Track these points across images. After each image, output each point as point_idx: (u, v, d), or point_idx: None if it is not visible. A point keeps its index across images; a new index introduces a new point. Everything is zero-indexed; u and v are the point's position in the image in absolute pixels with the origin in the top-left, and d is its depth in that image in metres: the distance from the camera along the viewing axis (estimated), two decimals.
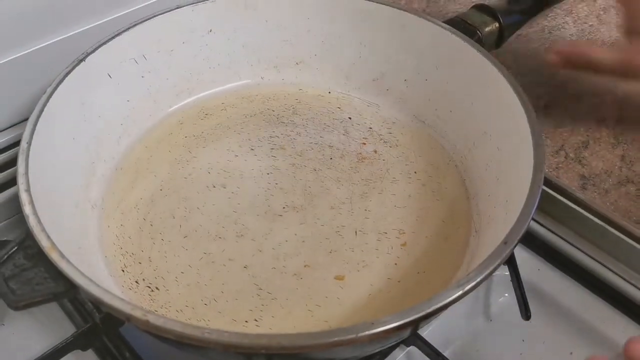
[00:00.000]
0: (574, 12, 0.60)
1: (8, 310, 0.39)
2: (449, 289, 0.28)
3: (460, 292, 0.28)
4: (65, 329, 0.37)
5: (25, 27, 0.42)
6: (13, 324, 0.38)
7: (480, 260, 0.30)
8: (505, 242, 0.30)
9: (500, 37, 0.49)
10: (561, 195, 0.42)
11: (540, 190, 0.33)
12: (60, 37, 0.43)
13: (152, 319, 0.27)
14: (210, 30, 0.48)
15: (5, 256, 0.31)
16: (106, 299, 0.28)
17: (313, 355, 0.29)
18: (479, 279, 0.29)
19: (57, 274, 0.30)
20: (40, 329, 0.38)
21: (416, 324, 0.28)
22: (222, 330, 0.27)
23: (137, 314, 0.27)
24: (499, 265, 0.30)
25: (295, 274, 0.37)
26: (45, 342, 0.37)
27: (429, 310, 0.28)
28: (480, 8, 0.49)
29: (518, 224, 0.31)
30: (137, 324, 0.28)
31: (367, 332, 0.27)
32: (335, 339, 0.26)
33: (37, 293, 0.30)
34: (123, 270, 0.37)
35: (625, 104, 0.43)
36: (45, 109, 0.37)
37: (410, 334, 0.35)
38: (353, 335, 0.26)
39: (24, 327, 0.38)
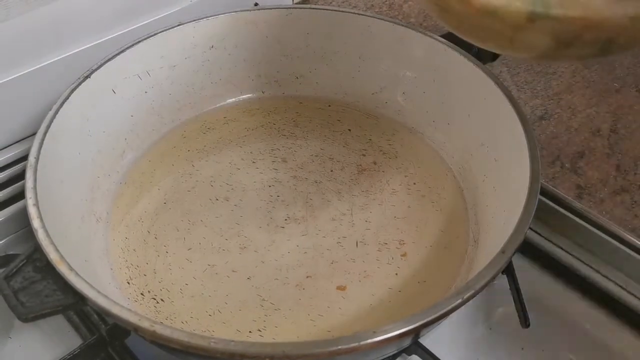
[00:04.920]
0: None
1: (15, 324, 0.39)
2: (449, 297, 0.29)
3: (459, 300, 0.29)
4: (72, 341, 0.38)
5: (32, 45, 0.43)
6: (20, 337, 0.39)
7: (479, 269, 0.31)
8: (503, 251, 0.31)
9: None
10: (558, 204, 0.43)
11: (537, 200, 0.34)
12: (66, 54, 0.44)
13: (159, 329, 0.28)
14: (212, 46, 0.49)
15: (15, 269, 0.31)
16: (114, 310, 0.29)
17: None
18: (478, 287, 0.29)
19: (66, 286, 0.30)
20: (47, 341, 0.39)
21: (417, 331, 0.29)
22: (228, 339, 0.27)
23: (145, 324, 0.28)
24: (497, 274, 0.30)
25: (297, 285, 0.38)
26: (51, 355, 0.37)
27: (429, 319, 0.28)
28: None
29: (516, 233, 0.32)
30: (145, 334, 0.28)
31: (369, 340, 0.27)
32: (339, 347, 0.27)
33: (46, 305, 0.30)
34: (128, 283, 0.38)
35: None
36: (52, 124, 0.38)
37: (412, 343, 0.35)
38: (356, 344, 0.27)
39: (30, 340, 0.39)
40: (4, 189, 0.43)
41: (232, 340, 0.27)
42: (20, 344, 0.39)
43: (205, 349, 0.27)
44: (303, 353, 0.27)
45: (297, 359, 0.27)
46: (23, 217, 0.42)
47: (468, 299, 0.29)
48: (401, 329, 0.28)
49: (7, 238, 0.43)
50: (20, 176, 0.44)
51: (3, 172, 0.44)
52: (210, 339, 0.27)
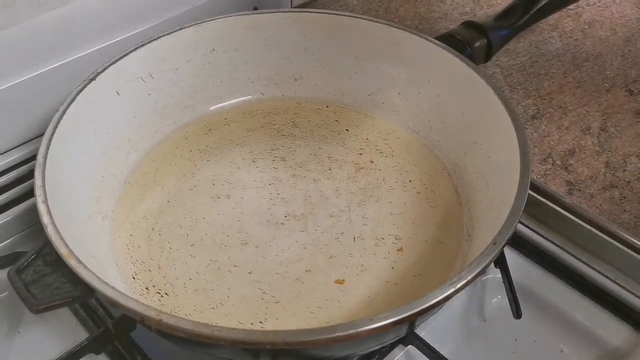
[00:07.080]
0: (559, 27, 0.62)
1: (23, 319, 0.41)
2: (442, 287, 0.30)
3: (452, 290, 0.30)
4: (79, 335, 0.39)
5: (39, 50, 0.44)
6: (29, 332, 0.40)
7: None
8: (494, 243, 0.32)
9: (488, 52, 0.51)
10: (549, 200, 0.44)
11: (526, 194, 0.35)
12: (72, 58, 0.46)
13: (165, 318, 0.29)
14: (213, 49, 0.50)
15: (25, 263, 0.32)
16: (122, 300, 0.30)
17: (316, 351, 0.31)
18: (470, 277, 0.31)
19: (75, 279, 0.31)
20: (55, 335, 0.40)
21: (412, 319, 0.30)
22: (230, 327, 0.28)
23: (151, 314, 0.29)
24: (488, 264, 0.32)
25: (297, 279, 0.39)
26: (59, 348, 0.38)
27: (424, 306, 0.29)
28: (469, 25, 0.52)
29: (506, 224, 0.33)
30: (151, 323, 0.29)
31: (366, 327, 0.28)
32: (337, 334, 0.28)
33: (56, 297, 0.31)
34: (134, 278, 0.39)
35: None
36: (59, 125, 0.39)
37: (408, 332, 0.36)
38: (353, 331, 0.28)
39: (39, 334, 0.40)
40: (10, 189, 0.45)
41: (235, 329, 0.28)
42: (29, 338, 0.40)
43: (208, 336, 0.28)
44: (302, 340, 0.28)
45: (297, 346, 0.28)
46: (29, 216, 0.44)
47: (461, 288, 0.30)
48: (397, 316, 0.29)
49: (14, 237, 0.45)
50: (26, 177, 0.45)
51: (10, 173, 0.45)
52: (213, 327, 0.28)
